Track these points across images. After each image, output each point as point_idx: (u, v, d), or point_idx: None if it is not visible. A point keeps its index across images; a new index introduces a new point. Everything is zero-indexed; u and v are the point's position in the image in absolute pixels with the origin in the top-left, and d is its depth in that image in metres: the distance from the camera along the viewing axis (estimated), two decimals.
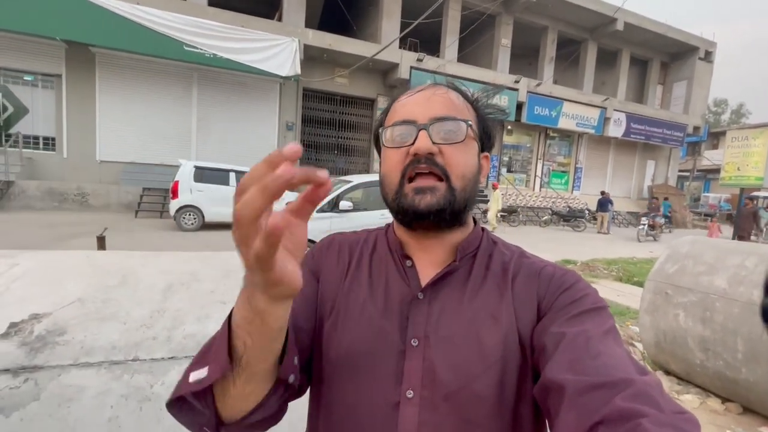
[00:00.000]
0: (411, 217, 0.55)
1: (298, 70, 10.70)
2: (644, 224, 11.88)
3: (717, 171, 19.67)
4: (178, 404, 0.43)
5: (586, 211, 14.48)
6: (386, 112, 0.62)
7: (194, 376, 0.42)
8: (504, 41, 14.78)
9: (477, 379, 0.49)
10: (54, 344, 1.04)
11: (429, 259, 0.58)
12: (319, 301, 0.59)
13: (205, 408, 0.43)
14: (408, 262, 0.59)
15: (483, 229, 0.64)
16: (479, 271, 0.57)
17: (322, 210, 5.62)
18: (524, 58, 17.36)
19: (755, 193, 16.90)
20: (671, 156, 19.44)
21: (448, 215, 0.54)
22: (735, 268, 2.39)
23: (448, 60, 13.40)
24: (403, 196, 0.54)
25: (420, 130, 0.53)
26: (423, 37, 14.28)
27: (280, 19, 11.89)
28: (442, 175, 0.53)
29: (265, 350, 0.41)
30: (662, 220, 12.60)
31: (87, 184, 9.98)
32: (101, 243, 3.13)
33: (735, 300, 2.29)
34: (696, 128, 18.82)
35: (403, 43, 12.88)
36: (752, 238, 12.05)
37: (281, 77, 10.78)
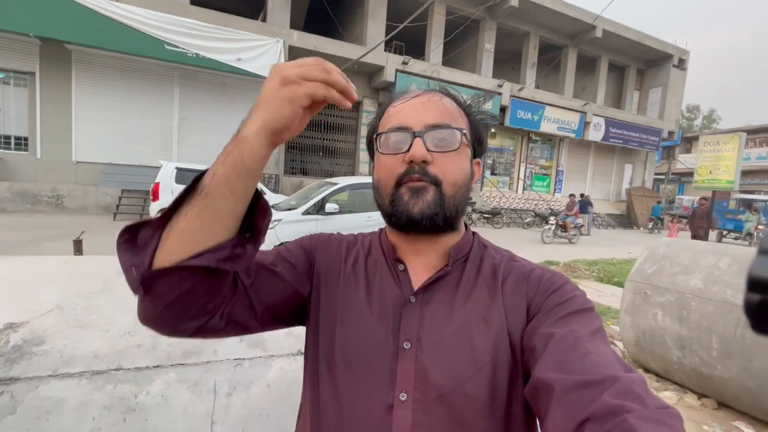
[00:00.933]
0: (404, 221, 0.55)
1: None
2: (551, 225, 10.56)
3: (690, 174, 20.35)
4: (127, 240, 0.46)
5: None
6: (380, 116, 0.62)
7: (156, 214, 0.47)
8: (487, 46, 15.00)
9: (469, 380, 0.50)
10: (31, 354, 1.00)
11: (421, 263, 0.60)
12: (314, 284, 0.61)
13: (148, 244, 0.44)
14: (400, 266, 0.60)
15: (474, 233, 0.65)
16: (470, 274, 0.58)
17: (307, 212, 5.58)
18: (507, 63, 17.65)
19: (753, 197, 17.63)
20: (647, 160, 20.06)
21: (440, 221, 0.55)
22: (709, 268, 2.48)
23: (433, 63, 13.51)
24: (398, 199, 0.55)
25: (415, 137, 0.54)
26: (408, 40, 14.37)
27: (264, 20, 11.77)
28: (434, 183, 0.54)
29: (230, 185, 0.43)
30: (579, 221, 11.16)
31: (62, 186, 9.64)
32: (78, 246, 3.03)
33: (709, 299, 2.37)
34: (670, 133, 19.49)
35: (389, 45, 12.93)
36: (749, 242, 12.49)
37: (266, 78, 10.67)
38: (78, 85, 9.92)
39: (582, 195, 14.67)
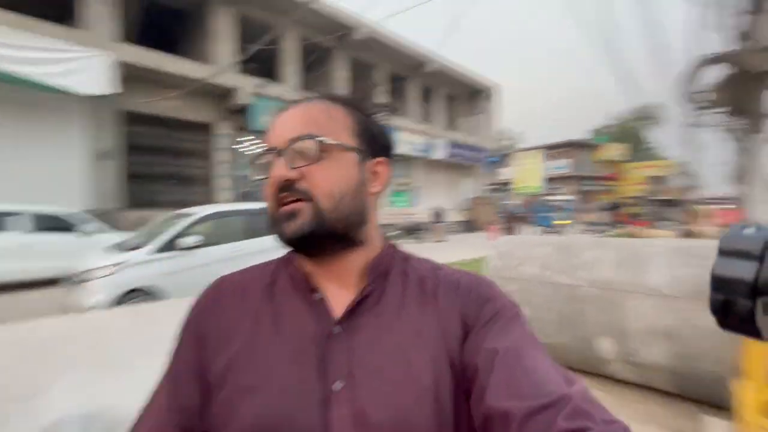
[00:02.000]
0: (286, 245, 0.53)
1: (114, 89, 9.05)
2: None
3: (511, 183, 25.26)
4: None
5: (426, 225, 16.50)
6: None
7: None
8: (341, 73, 15.87)
9: (411, 410, 0.45)
10: None
11: (338, 287, 0.54)
12: (211, 369, 0.51)
13: None
14: (316, 295, 0.53)
15: (393, 245, 0.61)
16: (396, 290, 0.54)
17: (163, 249, 4.79)
18: (360, 90, 19.00)
19: (551, 198, 22.61)
20: (480, 173, 24.06)
21: (324, 236, 0.50)
22: (541, 258, 3.08)
23: (289, 88, 13.51)
24: (276, 223, 0.52)
25: (276, 157, 0.51)
26: (264, 63, 14.06)
27: (79, 27, 9.90)
28: (306, 199, 0.50)
29: None
30: None
31: None
32: None
33: (544, 282, 2.94)
34: (493, 151, 23.89)
35: (244, 66, 12.39)
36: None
37: (89, 96, 8.92)
38: None
39: (435, 207, 16.69)
